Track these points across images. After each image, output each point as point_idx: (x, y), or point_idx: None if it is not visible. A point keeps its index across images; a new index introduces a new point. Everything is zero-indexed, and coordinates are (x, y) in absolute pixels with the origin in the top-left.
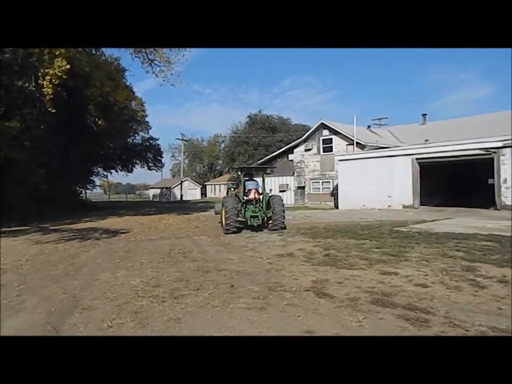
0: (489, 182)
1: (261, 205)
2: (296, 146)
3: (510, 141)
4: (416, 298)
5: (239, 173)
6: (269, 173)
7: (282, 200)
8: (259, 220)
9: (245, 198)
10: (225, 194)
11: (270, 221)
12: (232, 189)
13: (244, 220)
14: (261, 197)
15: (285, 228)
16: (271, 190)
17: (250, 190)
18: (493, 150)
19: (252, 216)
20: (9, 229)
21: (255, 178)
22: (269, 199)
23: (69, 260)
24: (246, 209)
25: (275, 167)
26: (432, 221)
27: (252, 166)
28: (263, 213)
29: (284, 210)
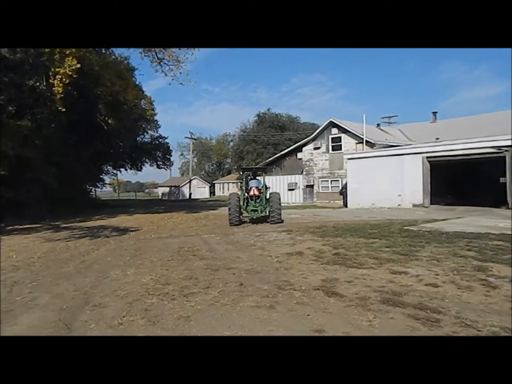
0: (501, 181)
1: (261, 200)
2: (305, 144)
3: None
4: (427, 298)
5: (241, 173)
6: (267, 173)
7: (279, 196)
8: (258, 213)
9: (246, 195)
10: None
11: None
12: (241, 187)
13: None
14: (261, 193)
15: (281, 221)
16: (269, 187)
17: (251, 187)
18: (505, 148)
19: (252, 210)
20: (21, 227)
21: (258, 177)
22: (267, 195)
23: (80, 258)
24: (248, 204)
25: (274, 167)
26: (443, 220)
27: (253, 167)
28: (263, 208)
29: (279, 204)
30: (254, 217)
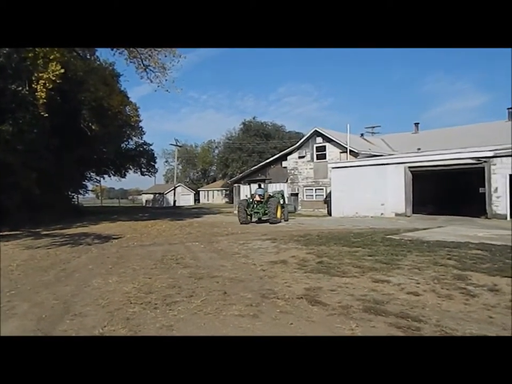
0: (480, 191)
1: (263, 204)
2: (289, 153)
3: (501, 151)
4: (408, 307)
5: (248, 184)
6: (266, 183)
7: (276, 201)
8: (260, 215)
9: (250, 200)
10: (218, 201)
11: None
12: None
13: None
14: (262, 200)
15: (277, 222)
16: (270, 194)
17: (254, 195)
18: (484, 159)
19: (254, 212)
20: (0, 234)
21: (262, 186)
22: (267, 200)
23: (61, 266)
24: (252, 208)
25: (270, 179)
26: (424, 229)
27: (257, 178)
28: (263, 210)
29: (274, 207)
30: (256, 218)
